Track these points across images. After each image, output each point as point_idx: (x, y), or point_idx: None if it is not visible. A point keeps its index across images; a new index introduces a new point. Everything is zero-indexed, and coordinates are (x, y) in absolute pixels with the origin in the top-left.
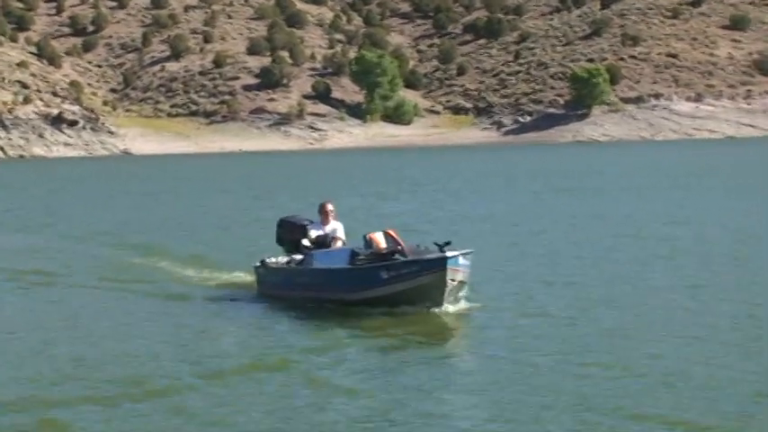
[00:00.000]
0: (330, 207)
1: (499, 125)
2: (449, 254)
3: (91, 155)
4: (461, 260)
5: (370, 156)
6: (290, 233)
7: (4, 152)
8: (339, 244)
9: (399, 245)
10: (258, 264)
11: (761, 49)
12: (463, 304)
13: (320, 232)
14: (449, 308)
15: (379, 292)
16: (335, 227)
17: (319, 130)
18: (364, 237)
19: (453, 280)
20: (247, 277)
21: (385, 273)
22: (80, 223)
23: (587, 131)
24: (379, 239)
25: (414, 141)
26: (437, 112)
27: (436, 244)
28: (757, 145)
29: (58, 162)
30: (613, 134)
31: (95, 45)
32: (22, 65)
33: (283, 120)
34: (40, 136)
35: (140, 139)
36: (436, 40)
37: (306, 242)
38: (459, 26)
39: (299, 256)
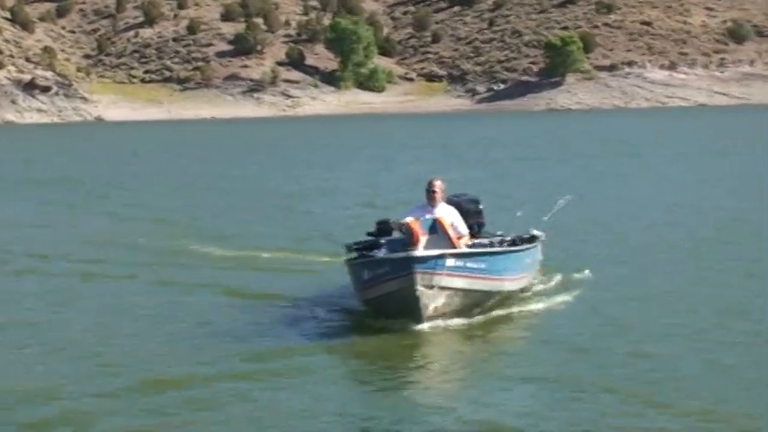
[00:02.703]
0: (438, 184)
1: (473, 93)
2: (417, 253)
3: (63, 121)
4: (452, 262)
5: (351, 122)
6: None
7: None
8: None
9: (413, 237)
10: None
11: (735, 18)
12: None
13: (406, 218)
14: (439, 325)
15: (366, 295)
16: (443, 211)
17: (293, 97)
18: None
19: (431, 286)
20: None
21: (366, 272)
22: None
23: (561, 99)
24: (417, 229)
25: (387, 109)
26: (411, 80)
27: (520, 238)
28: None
29: (36, 128)
30: (587, 102)
31: (69, 11)
32: None
33: (257, 86)
34: (13, 102)
35: (113, 105)
36: (411, 8)
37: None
38: None
39: None
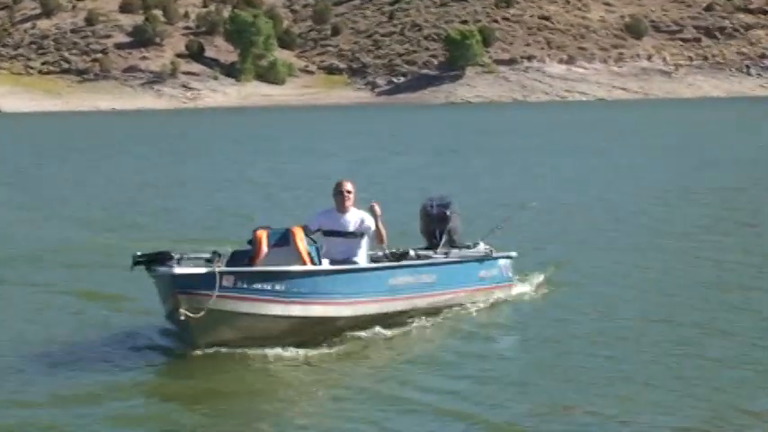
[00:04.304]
0: (348, 187)
1: (373, 86)
2: (178, 270)
3: None
4: (230, 281)
5: (252, 114)
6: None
7: None
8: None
9: (256, 249)
10: None
11: (632, 13)
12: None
13: (312, 223)
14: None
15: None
16: (354, 216)
17: (192, 89)
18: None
19: (198, 309)
20: None
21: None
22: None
23: (461, 93)
24: (263, 239)
25: (287, 101)
26: (311, 72)
27: (391, 254)
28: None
29: None
30: (486, 95)
31: None
32: None
33: (156, 78)
34: None
35: (11, 96)
36: (310, 0)
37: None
38: None
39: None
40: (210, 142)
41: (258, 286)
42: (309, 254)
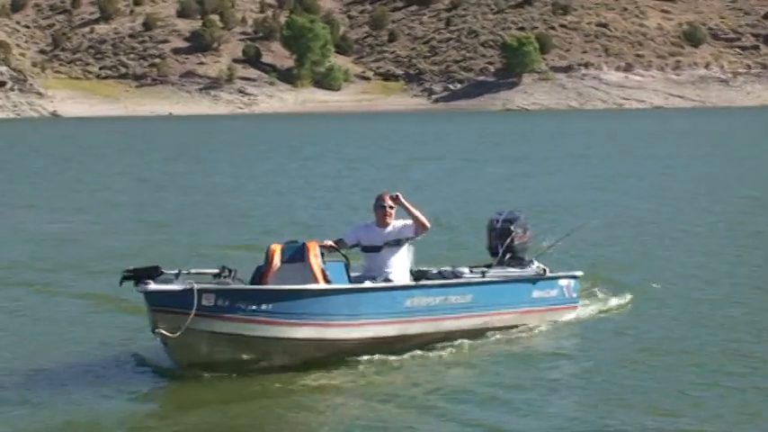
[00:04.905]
0: (391, 202)
1: (429, 92)
2: (152, 287)
3: (19, 116)
4: (211, 300)
5: (311, 121)
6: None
7: None
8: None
9: (267, 264)
10: None
11: (690, 20)
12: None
13: (348, 237)
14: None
15: None
16: (393, 228)
17: (249, 94)
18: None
19: (175, 328)
20: None
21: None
22: None
23: (517, 100)
24: (275, 254)
25: (344, 107)
26: (367, 79)
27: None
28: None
29: None
30: (543, 103)
31: (24, 5)
32: None
33: (213, 84)
34: None
35: (70, 101)
36: (367, 6)
37: None
38: None
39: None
40: (280, 148)
41: (242, 305)
42: (324, 271)
